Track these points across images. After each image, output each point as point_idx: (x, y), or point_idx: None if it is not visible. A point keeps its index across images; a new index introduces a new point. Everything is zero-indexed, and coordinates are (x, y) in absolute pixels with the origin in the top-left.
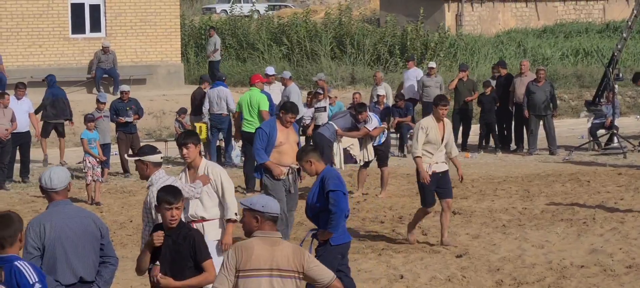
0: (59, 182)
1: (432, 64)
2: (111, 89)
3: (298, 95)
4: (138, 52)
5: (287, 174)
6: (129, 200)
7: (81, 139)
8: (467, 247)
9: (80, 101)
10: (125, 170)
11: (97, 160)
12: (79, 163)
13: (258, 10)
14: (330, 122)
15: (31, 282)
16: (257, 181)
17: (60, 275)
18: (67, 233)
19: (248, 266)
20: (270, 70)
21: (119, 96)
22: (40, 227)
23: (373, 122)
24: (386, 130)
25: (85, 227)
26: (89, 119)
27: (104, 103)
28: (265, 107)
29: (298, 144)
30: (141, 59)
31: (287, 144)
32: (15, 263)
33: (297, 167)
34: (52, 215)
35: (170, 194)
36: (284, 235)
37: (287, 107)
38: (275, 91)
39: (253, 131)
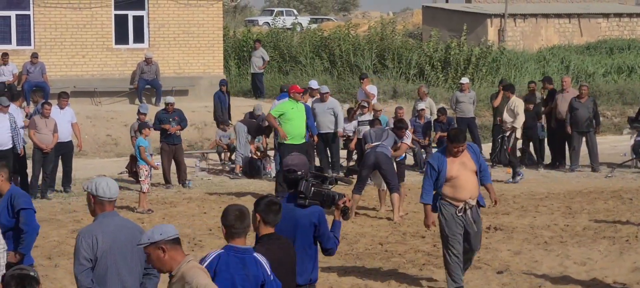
0: (115, 191)
1: (465, 80)
2: (153, 100)
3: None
4: (180, 64)
5: (465, 211)
6: (170, 211)
7: (138, 146)
8: (508, 263)
9: (123, 112)
10: (167, 181)
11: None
12: (121, 173)
13: (300, 23)
14: (382, 143)
15: (269, 273)
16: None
17: (110, 286)
18: (117, 244)
19: None
20: (314, 83)
21: (163, 107)
22: (92, 238)
23: (409, 137)
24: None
25: (133, 239)
26: (146, 126)
27: (145, 114)
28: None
29: (475, 172)
30: (183, 70)
31: (462, 176)
32: (255, 254)
33: (474, 202)
34: (102, 225)
35: None
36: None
37: (451, 136)
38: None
39: (293, 143)
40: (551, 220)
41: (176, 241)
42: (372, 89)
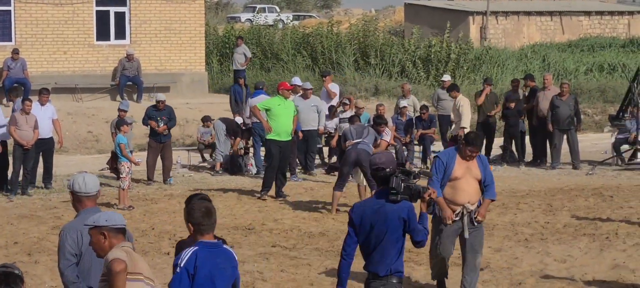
0: (93, 187)
1: (446, 77)
2: (135, 96)
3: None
4: (162, 60)
5: (462, 216)
6: (151, 208)
7: (118, 143)
8: (489, 260)
9: (104, 108)
10: (149, 178)
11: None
12: (102, 170)
13: (282, 20)
14: (363, 140)
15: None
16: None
17: (94, 281)
18: None
19: (134, 269)
20: (297, 80)
21: (153, 103)
22: (77, 233)
23: (388, 134)
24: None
25: None
26: (124, 123)
27: (126, 111)
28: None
29: (480, 181)
30: (165, 67)
31: (464, 179)
32: (225, 247)
33: (473, 207)
34: (85, 221)
35: None
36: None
37: (468, 139)
38: (309, 107)
39: (279, 139)
40: (532, 218)
41: (121, 231)
42: (333, 87)
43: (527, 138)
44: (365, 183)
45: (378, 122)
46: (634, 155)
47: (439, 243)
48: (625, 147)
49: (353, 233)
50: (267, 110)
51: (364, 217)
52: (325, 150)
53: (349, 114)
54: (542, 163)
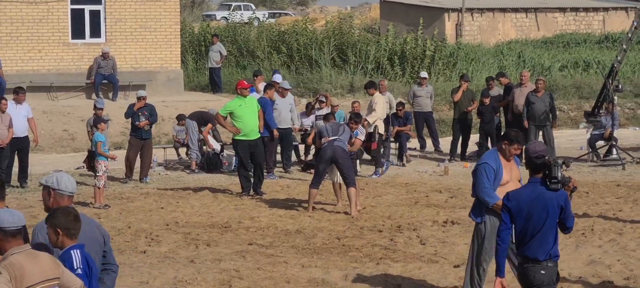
0: (72, 186)
1: (424, 74)
2: (110, 94)
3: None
4: (138, 58)
5: None
6: (127, 207)
7: (96, 142)
8: (465, 256)
9: (80, 106)
10: (127, 176)
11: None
12: (78, 168)
13: (258, 18)
14: (339, 138)
15: (75, 267)
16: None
17: None
18: (80, 239)
19: (24, 284)
20: (278, 77)
21: (135, 101)
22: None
23: (363, 132)
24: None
25: (92, 233)
26: (102, 121)
27: (102, 109)
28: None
29: (519, 181)
30: (141, 65)
31: (512, 182)
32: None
33: None
34: None
35: None
36: None
37: (511, 137)
38: (286, 105)
39: (248, 138)
40: None
41: (14, 234)
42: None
43: (502, 134)
44: (340, 180)
45: (353, 119)
46: (609, 151)
47: (485, 251)
48: (600, 143)
49: (508, 220)
50: (230, 113)
51: (521, 205)
52: (302, 147)
53: (325, 111)
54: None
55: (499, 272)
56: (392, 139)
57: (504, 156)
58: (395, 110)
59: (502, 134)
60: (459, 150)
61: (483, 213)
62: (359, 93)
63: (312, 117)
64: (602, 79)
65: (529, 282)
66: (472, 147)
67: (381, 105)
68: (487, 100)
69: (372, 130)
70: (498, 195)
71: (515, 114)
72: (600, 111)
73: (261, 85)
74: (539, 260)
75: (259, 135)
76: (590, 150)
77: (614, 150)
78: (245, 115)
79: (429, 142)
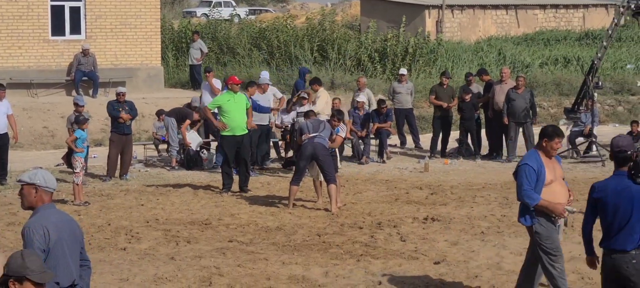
0: (54, 183)
1: (403, 71)
2: (90, 92)
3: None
4: (118, 55)
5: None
6: (107, 204)
7: (77, 138)
8: (445, 253)
9: (60, 103)
10: (109, 174)
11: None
12: (57, 165)
13: (239, 15)
14: (320, 134)
15: None
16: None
17: (61, 277)
18: (64, 235)
19: None
20: (265, 75)
21: (115, 97)
22: (43, 229)
23: (344, 129)
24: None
25: (72, 230)
26: (85, 120)
27: (83, 106)
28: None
29: (564, 179)
30: (121, 62)
31: (556, 181)
32: None
33: (572, 209)
34: (48, 217)
35: None
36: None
37: (549, 132)
38: (267, 97)
39: (234, 134)
40: (488, 211)
41: None
42: (217, 83)
43: (483, 131)
44: (321, 178)
45: (333, 116)
46: (588, 148)
47: (552, 249)
48: (580, 139)
49: (592, 212)
50: (218, 107)
51: (606, 197)
52: (282, 144)
53: (307, 108)
54: (498, 156)
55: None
56: (372, 136)
57: (545, 154)
58: (376, 107)
59: (481, 130)
60: (439, 147)
61: (533, 216)
62: (339, 90)
63: (293, 114)
64: (582, 75)
65: (618, 273)
66: (452, 143)
67: (323, 100)
68: (467, 97)
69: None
70: (541, 196)
71: (496, 111)
72: (580, 108)
73: (214, 82)
74: (626, 250)
75: (246, 132)
76: (570, 146)
77: (594, 146)
78: (233, 110)
79: (409, 139)
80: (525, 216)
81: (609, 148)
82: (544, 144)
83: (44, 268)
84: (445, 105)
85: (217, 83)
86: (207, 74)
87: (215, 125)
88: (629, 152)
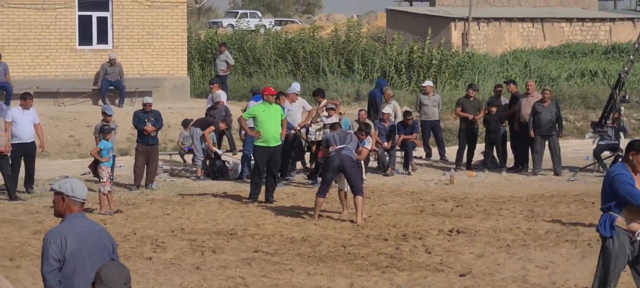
0: (85, 193)
1: (428, 83)
2: (117, 101)
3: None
4: (144, 65)
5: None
6: (133, 213)
7: (101, 149)
8: (470, 266)
9: (86, 112)
10: (136, 184)
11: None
12: (84, 174)
13: (264, 25)
14: (347, 146)
15: None
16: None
17: (78, 287)
18: (86, 246)
19: None
20: (296, 86)
21: (142, 107)
22: (61, 238)
23: (370, 141)
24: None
25: (100, 240)
26: (111, 129)
27: (111, 116)
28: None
29: None
30: (147, 72)
31: None
32: None
33: None
34: (71, 227)
35: None
36: None
37: (637, 146)
38: (296, 108)
39: (267, 145)
40: (514, 224)
41: None
42: (222, 95)
43: (508, 144)
44: (347, 188)
45: (362, 129)
46: (614, 162)
47: (613, 270)
48: (606, 153)
49: None
50: (253, 117)
51: None
52: (307, 155)
53: (334, 119)
54: (524, 169)
55: None
56: (397, 148)
57: (632, 167)
58: (403, 119)
59: (507, 142)
60: (464, 160)
61: (614, 228)
62: (365, 101)
63: (318, 125)
64: (609, 89)
65: None
66: (477, 156)
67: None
68: (493, 109)
69: (316, 138)
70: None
71: (522, 124)
72: (607, 122)
73: (219, 92)
74: None
75: (280, 143)
76: (596, 160)
77: (620, 160)
78: (268, 121)
79: (435, 151)
80: (605, 227)
81: None
82: (631, 157)
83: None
84: (471, 117)
85: (223, 95)
86: (212, 85)
87: (250, 134)
88: None
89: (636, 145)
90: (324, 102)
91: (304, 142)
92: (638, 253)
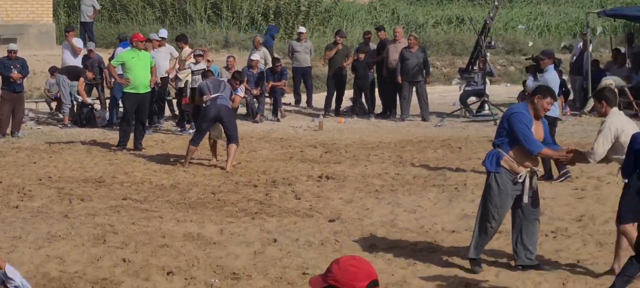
0: None
1: (302, 29)
2: None
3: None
4: (8, 11)
5: (524, 179)
6: None
7: None
8: (340, 211)
9: None
10: (2, 133)
11: None
12: None
13: None
14: (222, 95)
15: None
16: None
17: None
18: None
19: None
20: (163, 32)
21: (6, 55)
22: None
23: (243, 89)
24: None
25: None
26: None
27: None
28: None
29: (546, 142)
30: (11, 18)
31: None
32: None
33: (538, 170)
34: None
35: None
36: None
37: (543, 90)
38: (163, 55)
39: (136, 92)
40: (382, 169)
41: None
42: (78, 42)
43: (376, 90)
44: (221, 138)
45: (235, 77)
46: (481, 107)
47: (495, 207)
48: (472, 99)
49: (632, 161)
50: (122, 64)
51: None
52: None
53: (202, 65)
54: (392, 115)
55: None
56: (266, 94)
57: (534, 111)
58: (272, 66)
59: (375, 88)
60: (333, 106)
61: (499, 165)
62: (234, 48)
63: (187, 71)
64: (475, 35)
65: None
66: (346, 102)
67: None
68: (362, 56)
69: (183, 86)
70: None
71: (390, 70)
72: (474, 68)
73: (75, 41)
74: None
75: (149, 90)
76: (462, 106)
77: (486, 105)
78: (137, 68)
79: (303, 97)
80: (491, 162)
81: (500, 108)
82: (536, 101)
83: None
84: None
85: (79, 42)
86: (67, 33)
87: (119, 82)
88: None
89: (543, 90)
90: (186, 47)
91: (171, 90)
92: (521, 194)
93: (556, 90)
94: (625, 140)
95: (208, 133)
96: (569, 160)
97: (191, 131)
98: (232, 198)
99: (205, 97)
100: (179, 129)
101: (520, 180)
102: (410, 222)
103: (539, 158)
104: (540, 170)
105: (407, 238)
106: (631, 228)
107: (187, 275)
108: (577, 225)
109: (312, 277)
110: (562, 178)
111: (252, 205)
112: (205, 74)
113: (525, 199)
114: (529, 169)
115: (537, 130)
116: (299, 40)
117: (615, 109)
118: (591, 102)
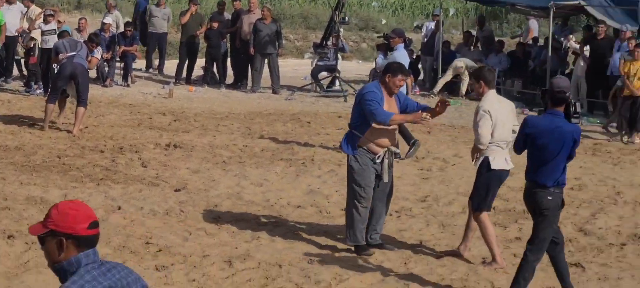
0: None
1: None
2: None
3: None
4: None
5: (383, 158)
6: None
7: None
8: (186, 181)
9: None
10: None
11: None
12: None
13: None
14: (78, 54)
15: None
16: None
17: None
18: None
19: None
20: None
21: None
22: None
23: (100, 52)
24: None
25: None
26: None
27: None
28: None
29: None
30: None
31: None
32: None
33: (397, 150)
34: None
35: None
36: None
37: (394, 68)
38: (14, 13)
39: None
40: (230, 140)
41: None
42: None
43: (229, 60)
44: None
45: (91, 39)
46: (332, 83)
47: (361, 188)
48: (323, 74)
49: (522, 145)
50: None
51: (538, 133)
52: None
53: (53, 25)
54: (243, 86)
55: None
56: (117, 59)
57: (387, 90)
58: (123, 30)
59: (227, 59)
60: (184, 74)
61: (355, 148)
62: (86, 9)
63: (38, 32)
64: (330, 10)
65: (536, 206)
66: (198, 71)
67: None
68: (215, 25)
69: (32, 45)
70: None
71: (243, 41)
72: (328, 43)
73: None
74: (547, 186)
75: None
76: (314, 80)
77: (337, 81)
78: None
79: (155, 64)
80: (348, 144)
81: (351, 85)
82: (387, 80)
83: None
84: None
85: None
86: None
87: None
88: (567, 94)
89: (393, 67)
90: (33, 6)
91: (20, 49)
92: (380, 173)
93: None
94: (502, 119)
95: None
96: (433, 113)
97: (38, 91)
98: (78, 163)
99: (61, 56)
100: (26, 89)
101: (379, 161)
102: (256, 195)
103: (396, 136)
104: (398, 150)
105: (253, 212)
106: (485, 217)
107: (27, 239)
108: (421, 206)
109: (32, 224)
110: (411, 148)
111: (97, 171)
112: (62, 33)
113: (386, 178)
114: (386, 149)
115: (391, 107)
116: (158, 5)
117: (493, 91)
118: (441, 83)
